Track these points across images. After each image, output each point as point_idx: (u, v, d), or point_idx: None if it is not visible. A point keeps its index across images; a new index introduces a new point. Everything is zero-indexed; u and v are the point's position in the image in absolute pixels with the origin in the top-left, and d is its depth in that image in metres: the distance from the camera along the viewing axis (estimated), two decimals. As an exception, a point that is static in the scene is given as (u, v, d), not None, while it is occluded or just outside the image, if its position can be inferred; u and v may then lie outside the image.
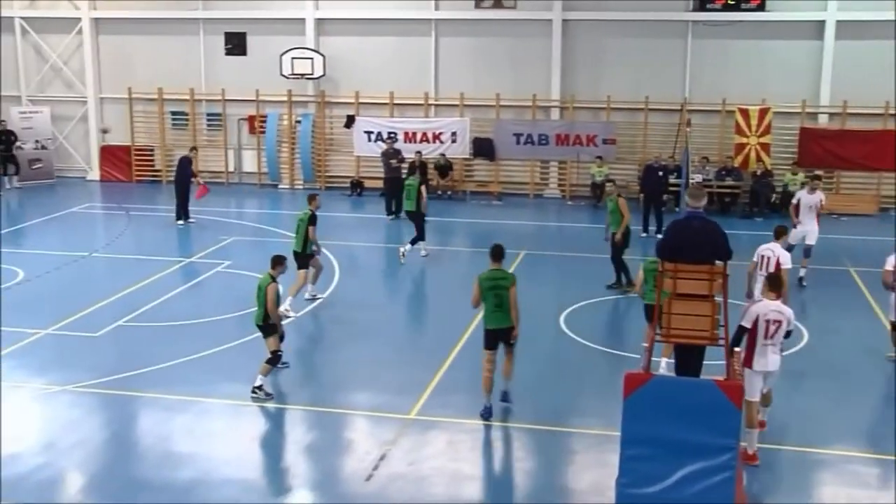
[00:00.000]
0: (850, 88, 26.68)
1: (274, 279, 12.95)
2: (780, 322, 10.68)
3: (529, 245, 21.92)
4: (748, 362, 10.73)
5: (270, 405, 12.60)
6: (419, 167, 25.25)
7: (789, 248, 17.30)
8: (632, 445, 9.13)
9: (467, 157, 28.92)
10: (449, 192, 28.51)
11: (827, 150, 26.53)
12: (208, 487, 10.32)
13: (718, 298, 9.57)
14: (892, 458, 11.07)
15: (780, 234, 14.52)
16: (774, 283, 11.06)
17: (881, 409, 12.95)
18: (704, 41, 27.78)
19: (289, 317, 16.03)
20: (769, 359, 10.75)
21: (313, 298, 17.16)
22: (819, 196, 18.56)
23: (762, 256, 14.14)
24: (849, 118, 27.00)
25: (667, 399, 9.07)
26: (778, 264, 13.76)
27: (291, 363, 13.83)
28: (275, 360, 12.99)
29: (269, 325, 12.99)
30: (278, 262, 13.20)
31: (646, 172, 24.23)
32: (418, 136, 28.59)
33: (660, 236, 14.08)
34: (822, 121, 27.49)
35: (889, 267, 13.94)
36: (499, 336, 12.18)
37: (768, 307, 10.76)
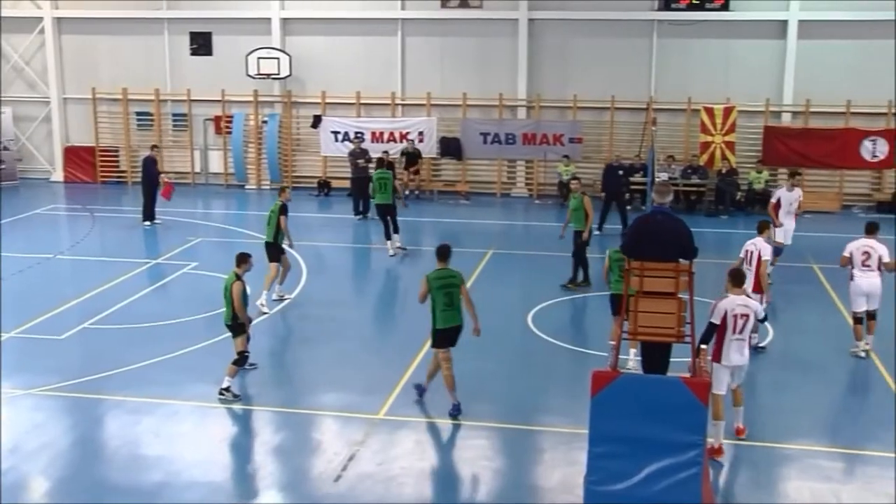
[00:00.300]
0: (812, 87, 27.00)
1: (239, 277, 12.87)
2: (747, 316, 10.92)
3: (497, 244, 21.99)
4: (716, 357, 10.91)
5: (238, 406, 12.55)
6: (388, 165, 25.22)
7: (779, 250, 17.59)
8: (599, 443, 9.18)
9: (435, 156, 28.96)
10: (416, 192, 28.47)
11: (791, 148, 26.83)
12: (176, 490, 10.26)
13: (684, 296, 9.65)
14: (856, 452, 11.24)
15: (763, 228, 14.79)
16: (737, 278, 11.26)
17: (844, 403, 13.13)
18: (669, 40, 27.98)
19: (264, 312, 16.06)
20: (738, 354, 10.96)
21: (281, 299, 17.11)
22: (798, 193, 18.70)
23: (747, 251, 14.45)
24: (811, 117, 27.31)
25: (634, 396, 9.13)
26: (759, 258, 14.13)
27: (260, 364, 13.78)
28: (241, 360, 12.93)
29: (238, 325, 12.93)
30: (243, 259, 13.10)
31: (606, 172, 24.33)
32: (385, 136, 28.58)
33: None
34: (786, 119, 27.79)
35: (845, 253, 14.47)
36: (450, 335, 12.24)
37: (734, 302, 10.96)
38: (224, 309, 12.94)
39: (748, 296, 11.67)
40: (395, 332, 16.39)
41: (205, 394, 12.75)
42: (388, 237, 20.92)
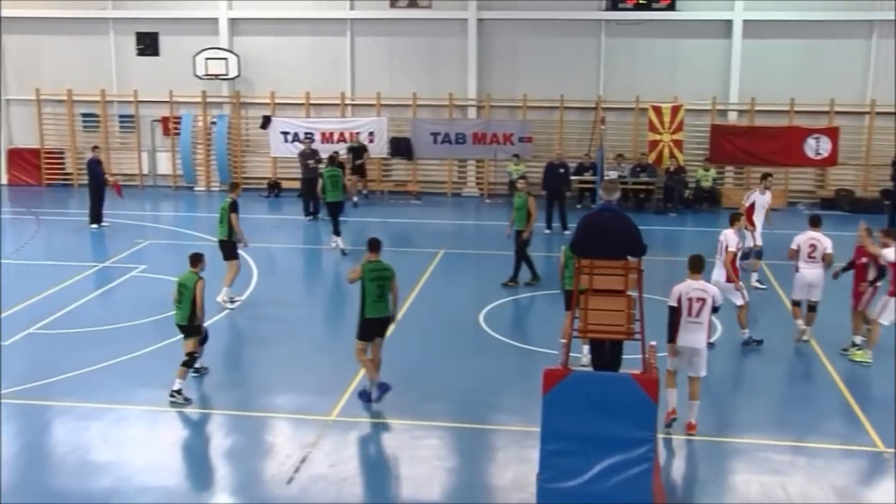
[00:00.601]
0: (757, 86, 27.43)
1: (201, 277, 12.84)
2: (703, 300, 11.36)
3: (448, 244, 22.02)
4: (673, 338, 11.33)
5: (189, 410, 12.42)
6: (338, 165, 25.16)
7: (759, 252, 17.87)
8: (551, 441, 9.24)
9: (385, 156, 28.92)
10: (365, 192, 28.32)
11: (737, 146, 27.22)
12: (126, 495, 10.13)
13: (634, 293, 9.73)
14: (802, 444, 11.43)
15: (734, 220, 15.10)
16: (695, 264, 11.62)
17: (790, 396, 13.32)
18: (617, 40, 28.23)
19: (232, 307, 16.43)
20: (692, 336, 11.37)
21: (231, 301, 16.97)
22: (769, 196, 18.90)
23: (719, 241, 14.80)
24: (757, 115, 27.72)
25: (585, 394, 9.20)
26: (727, 249, 14.52)
27: (211, 367, 13.65)
28: (191, 361, 12.83)
29: (193, 326, 12.84)
30: (198, 259, 13.04)
31: (547, 170, 24.44)
32: (335, 136, 28.51)
33: (566, 233, 14.43)
34: (732, 118, 28.19)
35: (793, 246, 14.92)
36: (377, 325, 12.50)
37: (691, 286, 11.43)
38: (177, 310, 12.83)
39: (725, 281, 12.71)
40: (347, 333, 16.16)
41: (154, 398, 12.60)
42: (338, 233, 21.14)
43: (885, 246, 14.05)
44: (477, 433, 11.84)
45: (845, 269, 14.87)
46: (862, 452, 11.23)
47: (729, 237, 14.66)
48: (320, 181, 21.62)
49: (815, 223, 15.11)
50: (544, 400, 9.25)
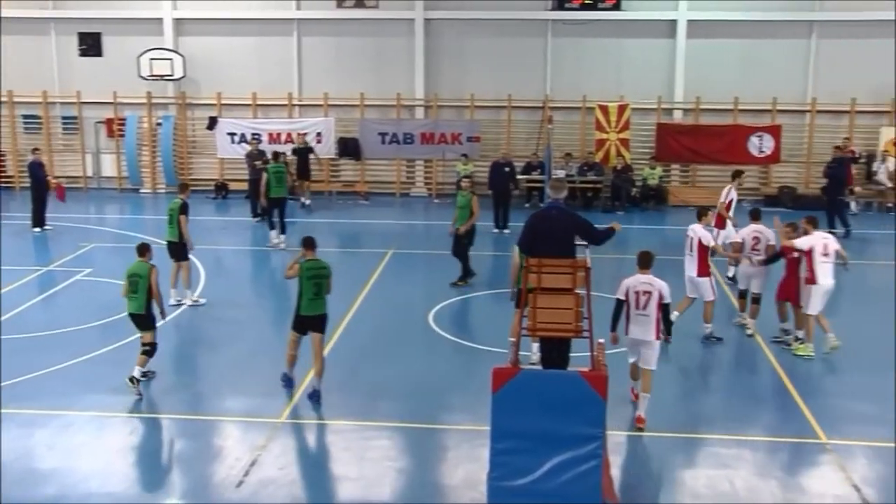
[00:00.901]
0: (702, 85, 27.77)
1: (152, 264, 12.96)
2: (649, 293, 11.63)
3: (397, 244, 22.01)
4: (614, 327, 11.75)
5: (137, 415, 12.28)
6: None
7: (742, 248, 18.07)
8: (501, 439, 9.27)
9: (333, 157, 28.82)
10: (308, 200, 27.89)
11: (682, 144, 27.52)
12: (72, 502, 9.99)
13: (582, 291, 9.81)
14: (747, 438, 11.61)
15: (702, 215, 15.28)
16: (644, 260, 11.91)
17: (734, 390, 13.51)
18: (564, 39, 28.42)
19: (201, 303, 16.74)
20: (640, 328, 11.70)
21: (178, 304, 16.81)
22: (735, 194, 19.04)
23: (687, 237, 15.06)
24: (701, 113, 28.06)
25: (534, 392, 9.24)
26: (700, 244, 14.77)
27: (158, 370, 13.49)
28: (152, 351, 12.93)
29: (151, 316, 12.91)
30: (146, 248, 13.22)
31: (492, 170, 24.51)
32: (283, 137, 28.32)
33: (506, 232, 14.58)
34: (677, 116, 28.50)
35: (738, 239, 15.34)
36: (311, 322, 12.67)
37: (638, 280, 11.77)
38: (132, 301, 12.85)
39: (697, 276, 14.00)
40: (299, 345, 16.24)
41: (100, 403, 12.44)
42: (283, 231, 21.33)
43: (807, 232, 14.46)
44: (427, 433, 11.85)
45: (769, 260, 15.12)
46: (805, 444, 11.43)
47: (698, 232, 14.92)
48: (264, 176, 21.56)
49: (756, 216, 15.59)
50: (494, 399, 9.29)
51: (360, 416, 12.16)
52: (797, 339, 14.61)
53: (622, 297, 11.73)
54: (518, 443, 9.23)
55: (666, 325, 12.25)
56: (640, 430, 11.70)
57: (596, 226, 10.67)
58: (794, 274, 14.55)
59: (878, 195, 27.09)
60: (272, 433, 11.66)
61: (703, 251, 14.82)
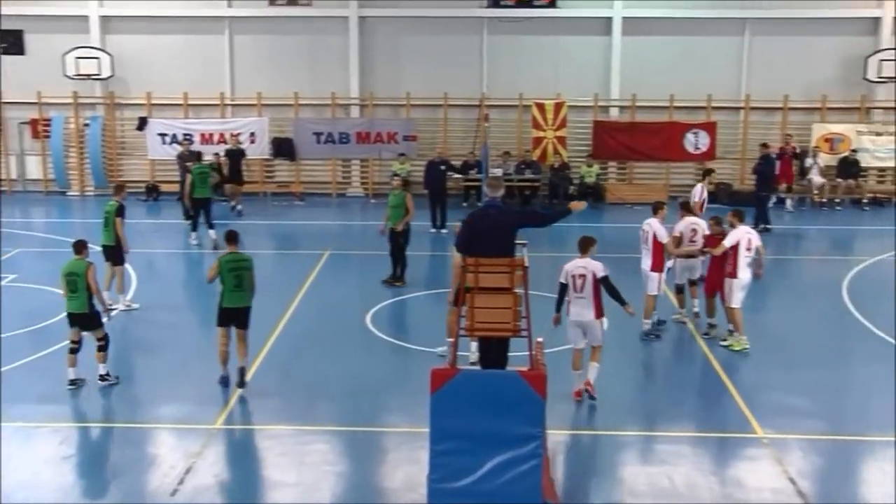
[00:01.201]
0: (637, 82, 28.10)
1: (89, 262, 12.94)
2: (584, 276, 12.33)
3: (334, 245, 21.94)
4: (557, 309, 12.47)
5: (66, 424, 12.07)
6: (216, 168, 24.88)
7: (680, 242, 18.21)
8: (441, 441, 9.29)
9: (267, 157, 28.61)
10: (239, 206, 27.63)
11: (619, 142, 27.82)
12: (-1, 516, 9.80)
13: (521, 290, 9.86)
14: (686, 434, 11.79)
15: (657, 209, 15.48)
16: (581, 245, 12.62)
17: (671, 386, 13.72)
18: (500, 37, 28.58)
19: (133, 307, 16.52)
20: (580, 310, 12.38)
21: (111, 309, 16.52)
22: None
23: (643, 231, 15.29)
24: (637, 111, 28.40)
25: (473, 392, 9.28)
26: (655, 238, 15.03)
27: (88, 378, 13.26)
28: (106, 345, 13.06)
29: (95, 313, 12.92)
30: (83, 246, 13.19)
31: (428, 168, 24.56)
32: (215, 138, 28.05)
33: (444, 231, 14.67)
34: (614, 114, 28.82)
35: (675, 234, 15.48)
36: (233, 315, 12.87)
37: (576, 264, 12.45)
38: (72, 300, 12.83)
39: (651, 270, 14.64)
40: (232, 339, 16.09)
41: (29, 413, 12.19)
42: (195, 229, 21.49)
43: (732, 226, 14.81)
44: (366, 436, 11.83)
45: (702, 252, 15.44)
46: (742, 439, 11.63)
47: (654, 226, 15.16)
48: (189, 177, 21.39)
49: (687, 209, 16.01)
50: (432, 400, 9.31)
51: (298, 420, 12.09)
52: (730, 332, 14.89)
53: (563, 281, 12.40)
54: (457, 444, 9.26)
55: (614, 296, 12.53)
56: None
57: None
58: (720, 269, 14.88)
59: (811, 191, 27.61)
60: (207, 440, 11.54)
61: (659, 246, 15.13)
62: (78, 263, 12.89)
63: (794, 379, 13.56)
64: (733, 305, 14.63)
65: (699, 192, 18.81)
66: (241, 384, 12.85)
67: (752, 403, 12.54)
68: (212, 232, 21.04)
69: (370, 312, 16.62)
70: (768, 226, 23.34)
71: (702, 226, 15.58)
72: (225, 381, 12.95)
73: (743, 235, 14.58)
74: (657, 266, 15.18)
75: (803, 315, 16.88)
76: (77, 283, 12.77)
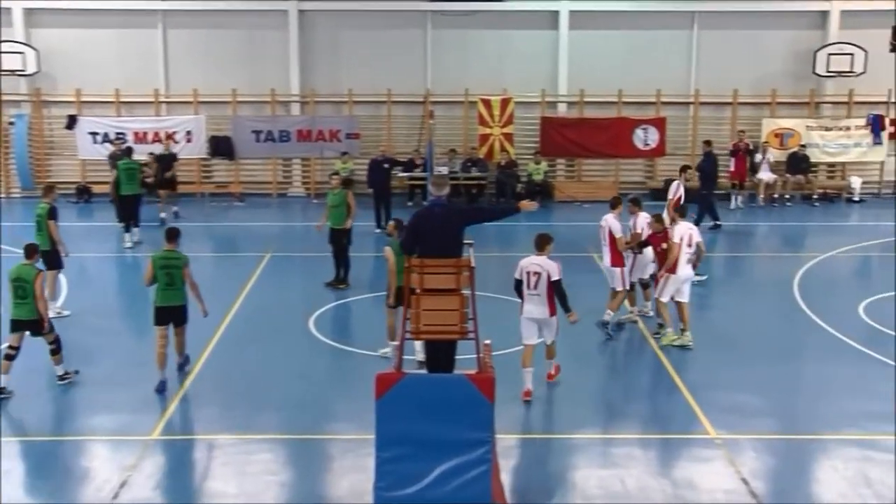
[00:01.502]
0: (585, 77, 28.32)
1: (39, 269, 12.93)
2: (539, 274, 12.59)
3: (275, 247, 21.82)
4: (520, 309, 12.80)
5: (-7, 438, 11.86)
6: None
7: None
8: (387, 447, 9.27)
9: (205, 157, 28.36)
10: (175, 209, 27.08)
11: (567, 138, 28.02)
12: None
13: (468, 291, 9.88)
14: (637, 436, 11.92)
15: (615, 204, 15.71)
16: (538, 243, 12.86)
17: (623, 388, 13.85)
18: (444, 32, 28.63)
19: (64, 315, 16.25)
20: (533, 307, 12.67)
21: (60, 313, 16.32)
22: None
23: (600, 227, 15.58)
24: (586, 106, 28.62)
25: (419, 397, 9.27)
26: (611, 234, 15.29)
27: (16, 389, 13.02)
28: (58, 348, 13.20)
29: (42, 320, 12.92)
30: (33, 251, 13.16)
31: (371, 167, 24.55)
32: (150, 136, 27.78)
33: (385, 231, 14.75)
34: (562, 109, 29.00)
35: (637, 230, 15.68)
36: (168, 313, 13.15)
37: (531, 261, 12.74)
38: (20, 307, 12.87)
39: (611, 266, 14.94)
40: (169, 344, 15.93)
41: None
42: (128, 230, 21.33)
43: (674, 221, 15.28)
44: (310, 444, 11.78)
45: (640, 247, 15.63)
46: (695, 440, 11.78)
47: (611, 222, 15.41)
48: (114, 173, 21.18)
49: (638, 204, 16.22)
50: (378, 405, 9.28)
51: (239, 428, 11.99)
52: (660, 326, 15.18)
53: (518, 277, 12.76)
54: (404, 450, 9.25)
55: (562, 302, 12.74)
56: (529, 433, 12.09)
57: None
58: (662, 264, 15.14)
59: (760, 188, 27.99)
60: (143, 451, 11.40)
61: (616, 241, 15.33)
62: (27, 270, 12.82)
63: (746, 377, 13.75)
64: (662, 299, 14.97)
65: (675, 189, 18.96)
66: (182, 368, 13.50)
67: (704, 403, 12.69)
68: (135, 229, 20.91)
69: (313, 316, 16.55)
70: (696, 220, 23.25)
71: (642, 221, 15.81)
72: (162, 388, 12.92)
73: (685, 231, 14.87)
74: (617, 261, 15.41)
75: (754, 312, 17.14)
76: (27, 288, 12.73)
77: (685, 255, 14.79)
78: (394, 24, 28.60)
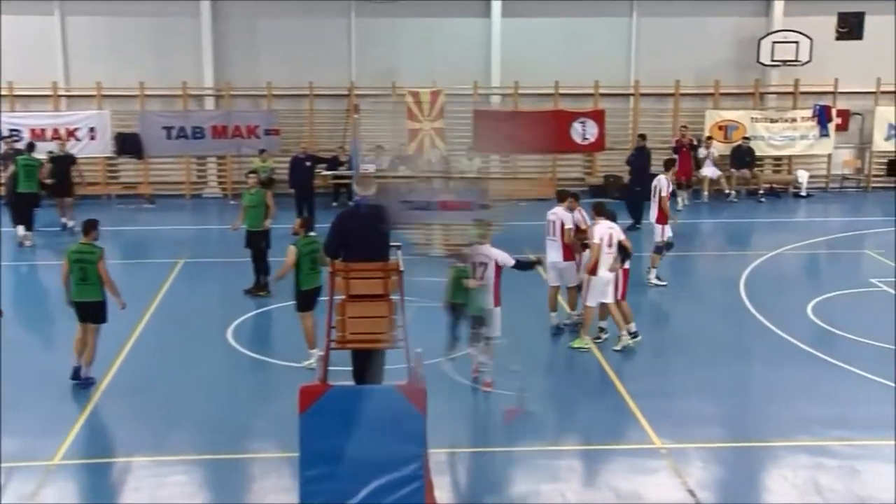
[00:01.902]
0: (520, 68, 28.45)
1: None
2: (485, 264, 13.42)
3: (189, 252, 21.60)
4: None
5: None
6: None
7: (670, 246, 18.78)
8: (312, 465, 9.22)
9: (110, 155, 27.96)
10: (72, 223, 26.50)
11: (502, 132, 28.05)
12: None
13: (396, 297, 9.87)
14: (579, 447, 12.03)
15: (563, 198, 15.99)
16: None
17: (565, 397, 13.94)
18: (369, 20, 28.59)
19: None
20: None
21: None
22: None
23: (550, 221, 15.79)
24: (521, 99, 28.77)
25: (346, 410, 9.23)
26: (563, 226, 15.58)
27: None
28: None
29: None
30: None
31: (293, 165, 24.47)
32: (48, 133, 27.29)
33: (312, 233, 14.76)
34: (495, 102, 29.14)
35: (569, 225, 15.76)
36: (83, 309, 13.45)
37: (478, 251, 13.54)
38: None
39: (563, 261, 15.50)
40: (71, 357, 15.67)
41: None
42: (30, 228, 21.35)
43: (593, 219, 15.38)
44: (229, 464, 11.66)
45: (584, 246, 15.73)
46: (639, 450, 11.89)
47: (560, 214, 15.68)
48: (12, 168, 20.89)
49: (564, 199, 16.16)
50: (301, 420, 9.23)
51: (152, 450, 11.81)
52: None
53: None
54: (331, 468, 9.20)
55: (522, 267, 13.96)
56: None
57: None
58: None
59: (705, 184, 28.39)
60: (44, 478, 11.16)
61: (565, 233, 15.61)
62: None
63: (692, 383, 13.94)
64: (589, 304, 15.16)
65: (666, 186, 19.06)
66: (74, 377, 13.52)
67: (648, 412, 12.82)
68: (20, 228, 20.67)
69: (231, 326, 16.42)
70: (638, 224, 23.28)
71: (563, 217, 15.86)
72: (76, 374, 13.44)
73: (605, 231, 15.06)
74: (569, 255, 15.64)
75: (700, 315, 17.39)
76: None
77: (606, 255, 14.96)
78: (315, 13, 28.48)
